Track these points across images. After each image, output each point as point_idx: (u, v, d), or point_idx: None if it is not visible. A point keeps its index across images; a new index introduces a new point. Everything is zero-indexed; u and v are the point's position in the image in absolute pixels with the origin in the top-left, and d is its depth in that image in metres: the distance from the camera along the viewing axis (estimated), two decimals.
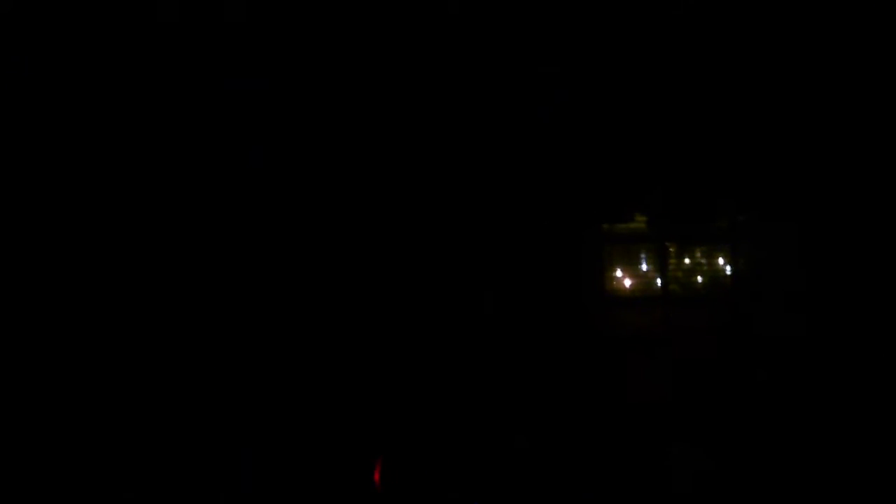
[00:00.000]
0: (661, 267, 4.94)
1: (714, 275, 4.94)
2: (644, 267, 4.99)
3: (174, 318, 4.63)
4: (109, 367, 4.57)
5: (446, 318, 4.74)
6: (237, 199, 4.68)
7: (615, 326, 4.85)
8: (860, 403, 4.50)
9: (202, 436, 4.53)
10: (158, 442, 4.50)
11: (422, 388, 4.71)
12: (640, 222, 4.96)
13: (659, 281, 4.95)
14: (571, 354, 4.76)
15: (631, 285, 4.98)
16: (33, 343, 4.54)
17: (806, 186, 4.67)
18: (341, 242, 4.75)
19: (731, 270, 4.92)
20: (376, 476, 4.48)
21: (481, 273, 4.78)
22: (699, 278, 4.94)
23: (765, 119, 4.63)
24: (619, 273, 4.99)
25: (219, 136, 4.65)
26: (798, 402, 4.58)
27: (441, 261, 4.75)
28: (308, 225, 4.74)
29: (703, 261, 4.95)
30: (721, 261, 4.93)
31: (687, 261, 4.96)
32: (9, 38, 4.49)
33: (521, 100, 4.75)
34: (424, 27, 4.64)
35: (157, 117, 4.64)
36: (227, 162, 4.67)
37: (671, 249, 4.96)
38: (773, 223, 4.78)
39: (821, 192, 4.66)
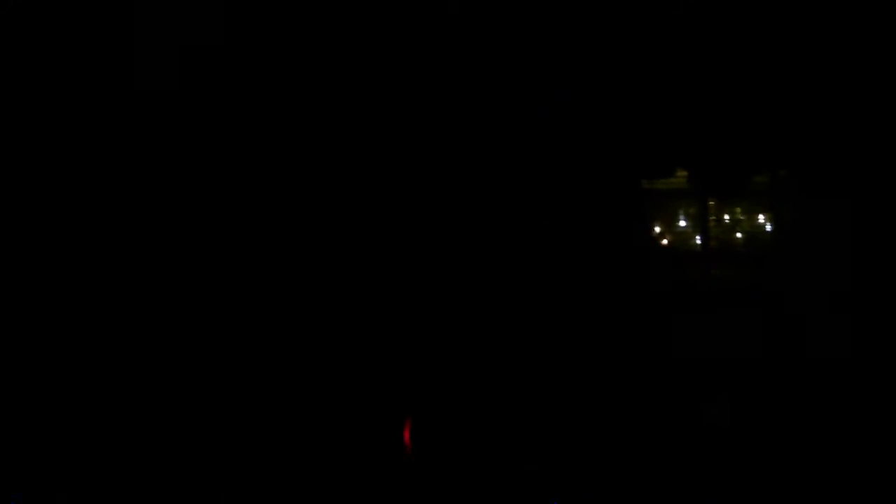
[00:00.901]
0: (701, 223, 4.88)
1: (754, 232, 4.89)
2: (683, 223, 4.93)
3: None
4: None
5: (485, 273, 4.71)
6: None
7: (656, 281, 4.81)
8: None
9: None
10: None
11: (454, 342, 4.68)
12: (680, 178, 4.90)
13: (699, 238, 4.90)
14: (612, 308, 4.72)
15: (671, 241, 4.93)
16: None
17: (852, 150, 4.60)
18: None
19: (772, 229, 4.86)
20: (406, 437, 4.45)
21: (524, 231, 4.74)
22: (738, 235, 4.89)
23: (805, 76, 4.56)
24: (658, 229, 4.94)
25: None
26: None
27: (482, 215, 4.73)
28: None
29: (743, 217, 4.89)
30: (761, 218, 4.87)
31: (727, 218, 4.91)
32: None
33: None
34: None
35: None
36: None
37: (711, 205, 4.90)
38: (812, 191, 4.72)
39: (862, 163, 4.58)
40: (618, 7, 4.69)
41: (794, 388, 4.52)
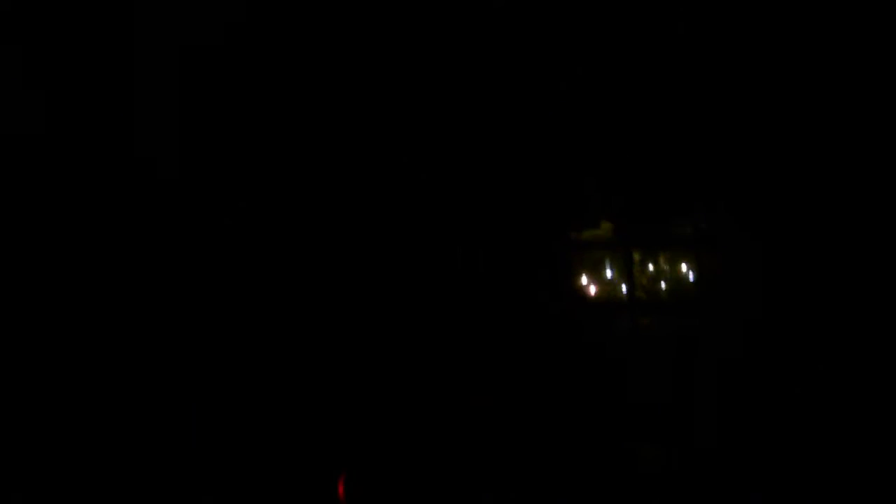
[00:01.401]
0: (626, 273, 4.99)
1: (678, 282, 5.01)
2: (609, 274, 5.04)
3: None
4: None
5: (414, 317, 4.73)
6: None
7: (582, 331, 4.88)
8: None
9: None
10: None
11: (389, 395, 4.66)
12: (605, 230, 5.03)
13: (624, 287, 5.00)
14: (540, 359, 4.77)
15: (597, 292, 5.02)
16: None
17: (770, 198, 4.77)
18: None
19: (694, 279, 4.99)
20: (340, 491, 4.39)
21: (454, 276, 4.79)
22: (663, 285, 5.01)
23: (730, 126, 4.75)
24: (584, 280, 5.03)
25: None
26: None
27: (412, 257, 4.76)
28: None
29: (667, 267, 5.02)
30: (684, 268, 5.01)
31: (651, 268, 5.03)
32: None
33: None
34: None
35: None
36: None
37: (636, 256, 5.02)
38: (735, 236, 4.88)
39: (785, 208, 4.76)
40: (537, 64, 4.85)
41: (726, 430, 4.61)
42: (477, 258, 4.88)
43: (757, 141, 4.69)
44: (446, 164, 4.84)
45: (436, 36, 4.76)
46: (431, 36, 4.76)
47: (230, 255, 4.65)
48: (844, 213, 4.65)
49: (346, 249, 4.74)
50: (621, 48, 4.76)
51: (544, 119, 4.85)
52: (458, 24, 4.76)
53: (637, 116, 4.80)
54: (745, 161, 4.71)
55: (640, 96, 4.76)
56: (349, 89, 4.75)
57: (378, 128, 4.79)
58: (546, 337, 4.82)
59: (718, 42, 4.68)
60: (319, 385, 4.61)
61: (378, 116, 4.78)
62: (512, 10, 4.75)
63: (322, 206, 4.72)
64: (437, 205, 4.85)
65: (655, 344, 4.85)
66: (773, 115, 4.67)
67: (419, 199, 4.83)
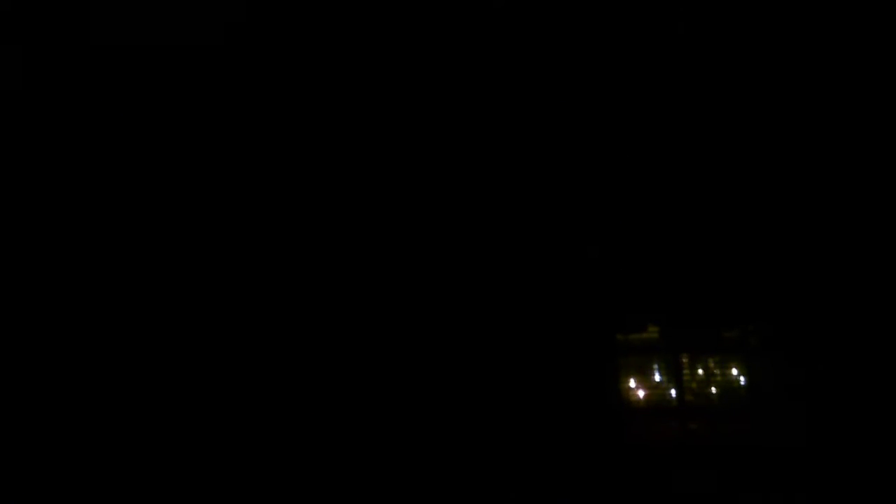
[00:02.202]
0: (675, 377, 4.92)
1: (728, 385, 4.92)
2: (657, 378, 4.96)
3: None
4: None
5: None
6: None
7: (630, 436, 4.80)
8: None
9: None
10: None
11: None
12: (652, 332, 4.96)
13: (673, 392, 4.92)
14: (587, 465, 4.69)
15: (645, 396, 4.94)
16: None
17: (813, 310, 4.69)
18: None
19: (745, 381, 4.90)
20: None
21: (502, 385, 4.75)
22: (713, 389, 4.92)
23: (774, 239, 4.69)
24: (632, 384, 4.96)
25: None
26: None
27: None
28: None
29: (717, 371, 4.93)
30: (735, 371, 4.92)
31: (700, 371, 4.95)
32: None
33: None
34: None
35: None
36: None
37: (684, 360, 4.94)
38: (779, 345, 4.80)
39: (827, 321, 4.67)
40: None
41: None
42: (520, 360, 4.84)
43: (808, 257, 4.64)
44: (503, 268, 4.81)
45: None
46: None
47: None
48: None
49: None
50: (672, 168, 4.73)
51: (593, 219, 4.83)
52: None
53: (686, 222, 4.76)
54: (792, 275, 4.65)
55: (693, 206, 4.72)
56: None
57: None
58: (593, 440, 4.75)
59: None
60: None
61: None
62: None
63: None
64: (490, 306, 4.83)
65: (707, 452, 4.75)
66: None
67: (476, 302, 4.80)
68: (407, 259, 4.76)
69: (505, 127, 4.80)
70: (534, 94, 4.76)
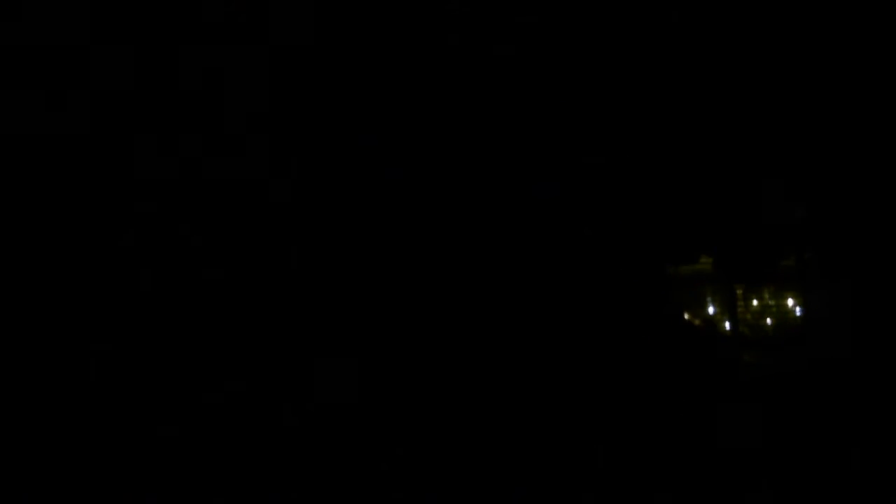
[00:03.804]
0: (729, 309, 4.80)
1: (783, 317, 4.79)
2: (711, 310, 4.85)
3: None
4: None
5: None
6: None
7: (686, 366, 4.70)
8: None
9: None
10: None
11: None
12: (704, 263, 4.83)
13: (727, 324, 4.80)
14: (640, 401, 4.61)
15: (700, 327, 4.83)
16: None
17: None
18: None
19: (801, 312, 4.77)
20: None
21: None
22: (769, 321, 4.79)
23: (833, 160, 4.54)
24: (686, 315, 4.85)
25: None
26: None
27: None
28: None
29: (772, 302, 4.80)
30: (790, 302, 4.78)
31: (755, 302, 4.82)
32: None
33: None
34: None
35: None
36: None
37: (738, 291, 4.82)
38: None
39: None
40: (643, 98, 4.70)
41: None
42: (570, 294, 4.75)
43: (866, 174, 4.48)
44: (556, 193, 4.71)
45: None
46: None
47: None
48: None
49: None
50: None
51: (641, 150, 4.70)
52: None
53: (739, 149, 4.62)
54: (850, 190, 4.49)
55: (745, 131, 4.58)
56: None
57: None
58: (646, 370, 4.66)
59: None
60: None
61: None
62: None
63: None
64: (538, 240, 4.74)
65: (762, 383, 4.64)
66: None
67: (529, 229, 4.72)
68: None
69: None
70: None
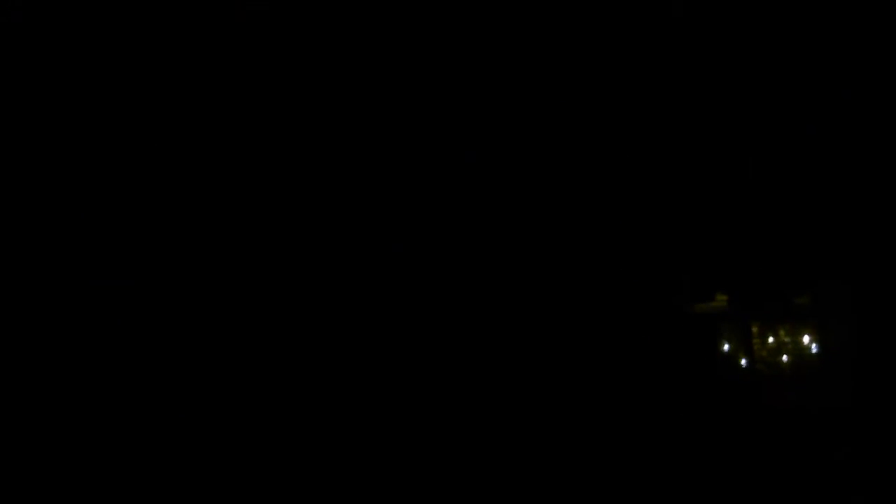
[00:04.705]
0: (745, 347, 4.82)
1: (799, 354, 4.81)
2: (726, 347, 4.87)
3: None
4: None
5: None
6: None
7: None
8: None
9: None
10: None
11: None
12: (720, 301, 4.87)
13: (743, 361, 4.82)
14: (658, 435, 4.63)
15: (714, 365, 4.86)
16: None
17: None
18: None
19: (817, 349, 4.78)
20: None
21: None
22: (784, 358, 4.81)
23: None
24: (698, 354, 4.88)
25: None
26: None
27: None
28: None
29: (788, 339, 4.82)
30: (806, 339, 4.80)
31: (771, 339, 4.84)
32: None
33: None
34: None
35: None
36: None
37: (754, 329, 4.84)
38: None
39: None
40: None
41: None
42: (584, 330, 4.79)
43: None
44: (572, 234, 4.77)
45: None
46: None
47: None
48: None
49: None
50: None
51: (658, 190, 4.77)
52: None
53: (754, 187, 4.68)
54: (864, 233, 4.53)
55: (758, 173, 4.64)
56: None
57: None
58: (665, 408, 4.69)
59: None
60: None
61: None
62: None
63: None
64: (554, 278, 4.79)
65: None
66: None
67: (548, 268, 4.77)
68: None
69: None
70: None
